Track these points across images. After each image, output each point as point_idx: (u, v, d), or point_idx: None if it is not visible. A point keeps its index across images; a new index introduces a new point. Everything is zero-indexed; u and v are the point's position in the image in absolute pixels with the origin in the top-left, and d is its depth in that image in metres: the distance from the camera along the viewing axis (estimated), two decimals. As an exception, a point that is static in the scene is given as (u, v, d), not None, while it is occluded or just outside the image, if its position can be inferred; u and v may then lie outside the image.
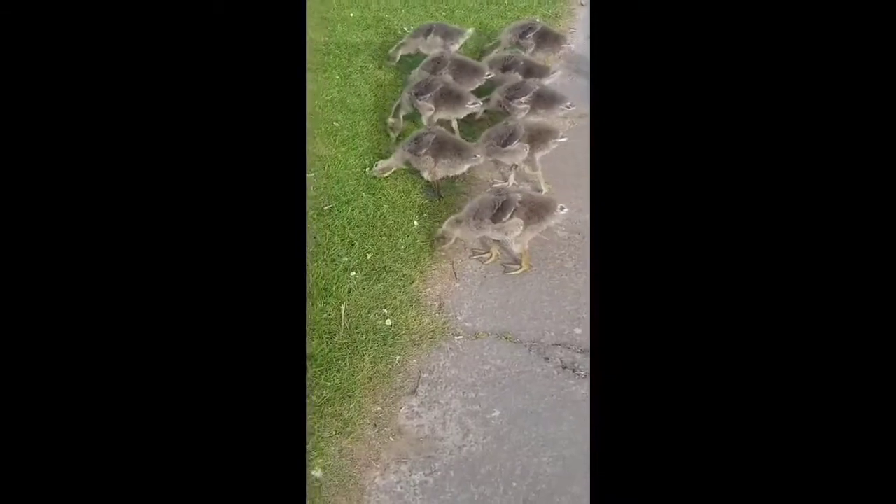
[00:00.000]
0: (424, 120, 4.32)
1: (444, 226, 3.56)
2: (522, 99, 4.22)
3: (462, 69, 4.53)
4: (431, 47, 4.94)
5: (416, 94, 4.27)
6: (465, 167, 3.99)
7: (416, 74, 4.58)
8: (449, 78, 4.44)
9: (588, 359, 3.02)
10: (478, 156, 3.95)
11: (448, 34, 4.95)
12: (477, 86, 4.60)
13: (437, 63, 4.54)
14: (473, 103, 4.26)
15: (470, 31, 5.09)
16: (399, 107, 4.45)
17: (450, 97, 4.26)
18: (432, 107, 4.27)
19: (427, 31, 4.99)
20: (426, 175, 4.02)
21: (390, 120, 4.47)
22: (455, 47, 4.88)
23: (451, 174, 4.02)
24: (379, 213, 3.83)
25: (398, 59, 5.18)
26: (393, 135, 4.45)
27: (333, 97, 4.88)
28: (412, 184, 4.09)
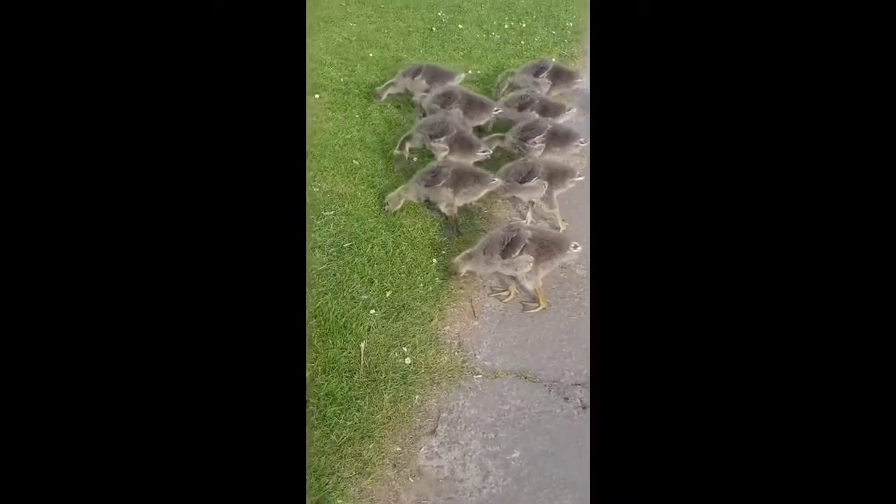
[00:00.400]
0: (439, 159, 4.39)
1: (458, 258, 3.59)
2: (537, 139, 4.29)
3: (471, 104, 4.69)
4: (418, 88, 5.10)
5: (431, 137, 4.36)
6: (484, 192, 4.05)
7: (427, 107, 4.72)
8: (459, 114, 4.56)
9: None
10: (496, 179, 4.00)
11: (436, 77, 5.09)
12: (486, 121, 4.77)
13: (447, 98, 4.67)
14: (483, 151, 4.36)
15: (462, 75, 5.23)
16: (408, 139, 4.53)
17: (463, 143, 4.37)
18: (447, 148, 4.36)
19: (415, 72, 5.17)
20: (443, 208, 4.07)
21: (396, 152, 4.56)
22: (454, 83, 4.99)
23: (469, 201, 4.08)
24: (398, 250, 3.87)
25: (384, 97, 5.33)
26: (396, 167, 4.54)
27: (353, 136, 4.98)
28: (430, 222, 4.14)
